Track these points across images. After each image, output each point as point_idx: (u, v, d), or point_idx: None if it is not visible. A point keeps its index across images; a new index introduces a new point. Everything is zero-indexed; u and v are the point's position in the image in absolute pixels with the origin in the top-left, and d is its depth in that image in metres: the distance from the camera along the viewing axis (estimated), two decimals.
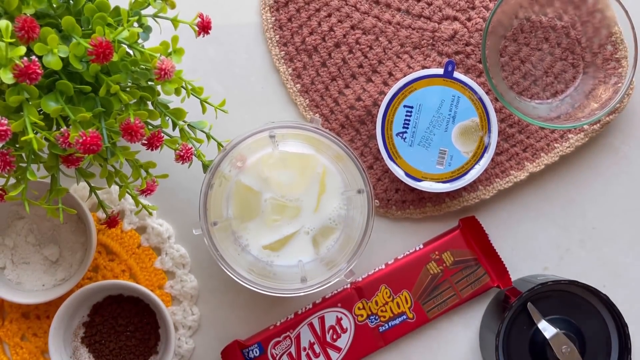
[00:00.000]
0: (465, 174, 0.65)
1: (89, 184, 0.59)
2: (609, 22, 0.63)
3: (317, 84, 0.69)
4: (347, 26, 0.68)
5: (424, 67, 0.67)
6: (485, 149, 0.65)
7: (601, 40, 0.65)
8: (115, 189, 0.68)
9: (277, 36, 0.68)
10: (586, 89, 0.65)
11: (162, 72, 0.50)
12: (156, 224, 0.69)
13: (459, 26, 0.67)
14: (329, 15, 0.68)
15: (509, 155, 0.68)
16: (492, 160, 0.68)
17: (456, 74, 0.64)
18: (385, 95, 0.65)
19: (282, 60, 0.69)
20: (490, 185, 0.68)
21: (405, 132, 0.65)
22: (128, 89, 0.53)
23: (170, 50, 0.52)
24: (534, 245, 0.69)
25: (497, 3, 0.61)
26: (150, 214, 0.66)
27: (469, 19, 0.67)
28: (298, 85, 0.69)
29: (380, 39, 0.68)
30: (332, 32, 0.68)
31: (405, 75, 0.67)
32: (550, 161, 0.68)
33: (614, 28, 0.63)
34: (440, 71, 0.65)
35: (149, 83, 0.54)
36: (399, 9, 0.68)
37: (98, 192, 0.66)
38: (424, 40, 0.68)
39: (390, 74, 0.68)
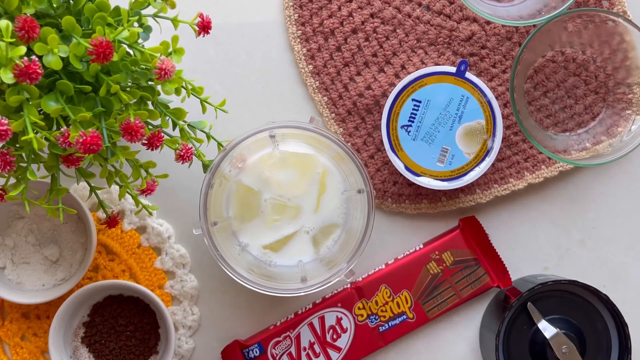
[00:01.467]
0: (465, 174, 0.65)
1: (89, 183, 0.59)
2: (634, 64, 0.63)
3: (329, 68, 0.69)
4: (366, 13, 0.68)
5: (436, 64, 0.67)
6: (488, 152, 0.65)
7: (624, 77, 0.65)
8: (115, 188, 0.68)
9: (296, 15, 0.68)
10: (608, 124, 0.65)
11: (162, 72, 0.49)
12: (156, 224, 0.69)
13: (477, 28, 0.67)
14: (350, 1, 0.68)
15: (510, 162, 0.68)
16: (493, 165, 0.68)
17: (468, 75, 0.64)
18: (396, 86, 0.65)
19: (298, 40, 0.68)
20: (488, 190, 0.68)
21: (411, 125, 0.65)
22: (128, 89, 0.53)
23: (170, 50, 0.52)
24: (534, 245, 0.69)
25: (528, 37, 0.61)
26: (150, 213, 0.66)
27: (488, 22, 0.67)
28: (310, 66, 0.69)
29: (397, 30, 0.68)
30: (351, 18, 0.68)
31: (417, 70, 0.67)
32: (550, 175, 0.68)
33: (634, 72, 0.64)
34: (453, 69, 0.64)
35: (149, 83, 0.54)
36: (420, 4, 0.68)
37: (98, 192, 0.66)
38: (441, 38, 0.67)
39: (403, 67, 0.68)
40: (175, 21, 0.54)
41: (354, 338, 0.66)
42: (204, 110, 0.58)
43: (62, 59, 0.47)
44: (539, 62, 0.67)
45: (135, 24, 0.51)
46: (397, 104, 0.65)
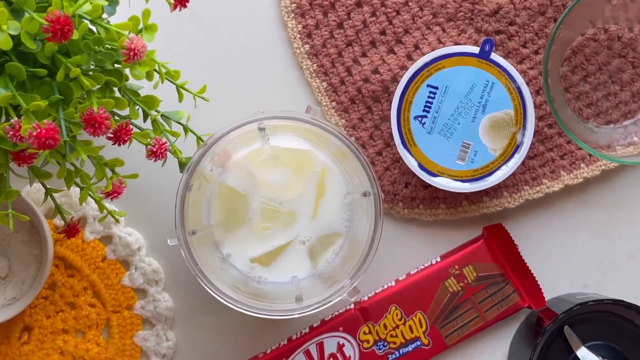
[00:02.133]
0: (490, 174, 0.65)
1: (44, 185, 0.59)
2: None
3: (329, 47, 0.69)
4: None
5: (456, 44, 0.67)
6: (517, 148, 0.65)
7: None
8: (75, 191, 0.68)
9: None
10: None
11: (131, 53, 0.49)
12: (124, 233, 0.69)
13: (504, 1, 0.67)
14: None
15: (544, 160, 0.68)
16: (523, 163, 0.68)
17: (493, 56, 0.64)
18: (408, 70, 0.65)
19: (292, 14, 0.68)
20: (517, 193, 0.68)
21: (425, 116, 0.65)
22: (91, 73, 0.53)
23: (140, 26, 0.52)
24: (572, 258, 0.69)
25: (567, 9, 0.61)
26: (117, 221, 0.66)
27: None
28: (307, 46, 0.69)
29: (410, 4, 0.68)
30: None
31: (433, 50, 0.67)
32: (591, 174, 0.68)
33: None
34: (476, 50, 0.64)
35: (116, 66, 0.54)
36: None
37: (55, 195, 0.66)
38: (461, 13, 0.68)
39: (416, 46, 0.68)
40: None
41: None
42: (180, 98, 0.58)
43: (12, 37, 0.47)
44: (578, 41, 0.67)
45: None
46: (409, 90, 0.65)
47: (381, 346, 0.67)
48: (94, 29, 0.52)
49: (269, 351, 0.67)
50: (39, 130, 0.47)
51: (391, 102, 0.67)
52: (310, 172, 0.63)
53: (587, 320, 0.63)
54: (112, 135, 0.53)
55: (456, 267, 0.67)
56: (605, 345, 0.63)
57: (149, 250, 0.70)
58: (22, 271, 0.68)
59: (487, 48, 0.64)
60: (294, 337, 0.68)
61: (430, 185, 0.68)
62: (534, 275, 0.68)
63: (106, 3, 0.52)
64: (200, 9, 0.69)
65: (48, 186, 0.60)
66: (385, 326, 0.67)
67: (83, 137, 0.55)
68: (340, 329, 0.67)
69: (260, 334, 0.69)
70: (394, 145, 0.67)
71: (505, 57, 0.68)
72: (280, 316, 0.60)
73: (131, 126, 0.53)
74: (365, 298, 0.68)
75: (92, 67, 0.53)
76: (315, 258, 0.63)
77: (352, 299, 0.60)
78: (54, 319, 0.68)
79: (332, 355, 0.66)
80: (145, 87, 0.58)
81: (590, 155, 0.68)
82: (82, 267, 0.69)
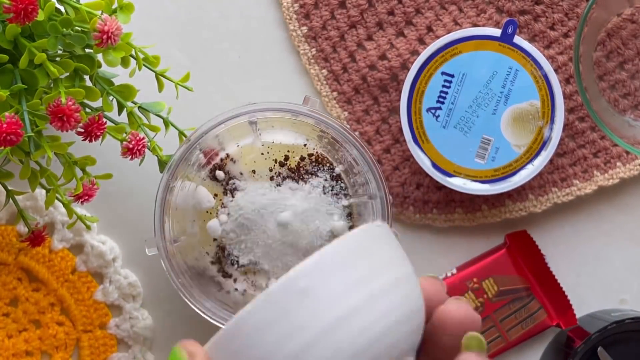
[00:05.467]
0: (513, 174, 0.65)
1: (5, 186, 0.59)
2: None
3: (329, 30, 0.69)
4: None
5: (475, 25, 0.68)
6: (544, 144, 0.65)
7: None
8: (41, 193, 0.68)
9: None
10: None
11: (104, 36, 0.49)
12: (97, 242, 0.69)
13: None
14: None
15: (574, 158, 0.68)
16: (551, 161, 0.68)
17: (517, 39, 0.64)
18: (420, 55, 0.65)
19: None
20: (545, 195, 0.68)
21: (440, 108, 0.65)
22: (58, 59, 0.53)
23: (115, 6, 0.52)
24: (607, 270, 0.69)
25: None
26: (89, 227, 0.66)
27: None
28: (304, 28, 0.69)
29: None
30: None
31: (449, 33, 0.67)
32: (629, 175, 0.68)
33: None
34: (497, 32, 0.64)
35: (87, 51, 0.54)
36: None
37: (18, 198, 0.66)
38: None
39: (429, 28, 0.68)
40: None
41: None
42: (160, 87, 0.58)
43: None
44: (614, 23, 0.67)
45: None
46: (421, 79, 0.65)
47: None
48: (61, 8, 0.52)
49: None
50: None
51: (400, 92, 0.67)
52: None
53: (623, 340, 0.63)
54: (82, 130, 0.53)
55: (475, 280, 0.67)
56: None
57: (125, 261, 0.70)
58: None
59: (510, 30, 0.64)
60: None
61: (445, 187, 0.68)
62: (563, 289, 0.68)
63: None
64: None
65: (10, 188, 0.60)
66: None
67: (49, 132, 0.55)
68: None
69: None
70: (404, 141, 0.67)
71: (531, 40, 0.68)
72: None
73: (104, 119, 0.53)
74: None
75: (59, 52, 0.53)
76: None
77: None
78: (16, 340, 0.68)
79: None
80: (120, 75, 0.58)
81: (627, 152, 0.68)
82: (49, 280, 0.68)
